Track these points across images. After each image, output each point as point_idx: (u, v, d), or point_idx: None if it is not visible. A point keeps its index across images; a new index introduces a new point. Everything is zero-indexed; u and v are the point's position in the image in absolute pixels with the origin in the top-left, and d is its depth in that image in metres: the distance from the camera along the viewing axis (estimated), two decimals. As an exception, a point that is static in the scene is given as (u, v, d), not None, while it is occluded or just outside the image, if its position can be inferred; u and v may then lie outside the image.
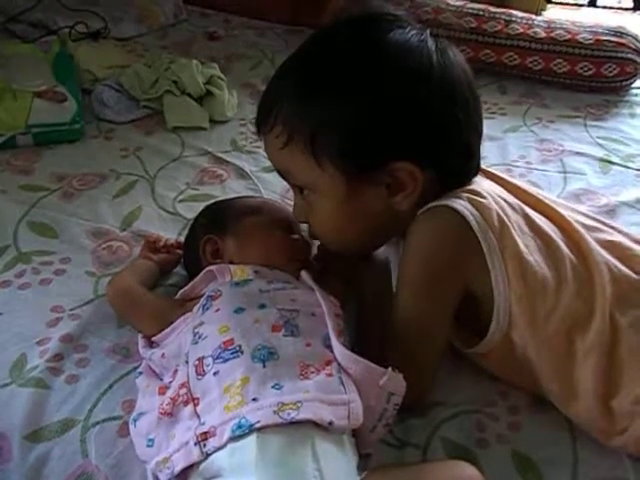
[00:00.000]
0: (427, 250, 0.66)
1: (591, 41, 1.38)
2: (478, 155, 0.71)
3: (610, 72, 1.38)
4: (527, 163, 1.17)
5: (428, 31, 0.68)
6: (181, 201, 1.01)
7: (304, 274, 0.75)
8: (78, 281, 0.84)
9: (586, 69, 1.39)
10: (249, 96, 1.36)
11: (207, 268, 0.74)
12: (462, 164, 0.69)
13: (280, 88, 0.68)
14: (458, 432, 0.67)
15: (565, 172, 1.13)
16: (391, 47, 0.66)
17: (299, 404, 0.54)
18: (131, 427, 0.63)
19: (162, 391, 0.63)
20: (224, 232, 0.77)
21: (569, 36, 1.40)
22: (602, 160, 1.17)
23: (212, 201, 0.89)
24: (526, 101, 1.39)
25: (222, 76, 1.30)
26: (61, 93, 1.17)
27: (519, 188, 0.76)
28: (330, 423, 0.54)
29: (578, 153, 1.19)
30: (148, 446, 0.59)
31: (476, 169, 0.72)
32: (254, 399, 0.55)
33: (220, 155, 1.14)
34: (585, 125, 1.29)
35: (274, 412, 0.53)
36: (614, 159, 1.17)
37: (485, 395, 0.71)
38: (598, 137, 1.24)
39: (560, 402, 0.67)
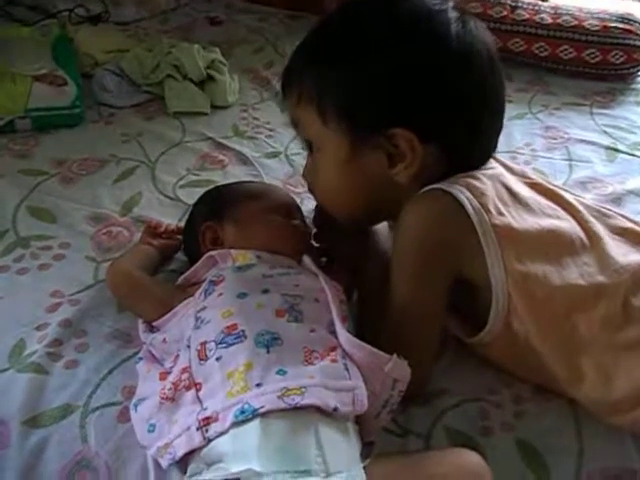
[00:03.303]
0: (418, 232, 0.65)
1: (598, 28, 1.37)
2: (490, 138, 0.70)
3: (617, 59, 1.36)
4: (532, 150, 1.16)
5: (451, 2, 0.67)
6: (182, 187, 1.00)
7: (306, 259, 0.74)
8: (77, 266, 0.83)
9: (593, 56, 1.37)
10: (251, 81, 1.34)
11: (208, 253, 0.73)
12: (468, 143, 0.67)
13: (297, 52, 0.70)
14: (461, 420, 0.66)
15: (571, 160, 1.12)
16: (405, 12, 0.65)
17: (303, 389, 0.53)
18: (132, 412, 0.62)
19: (163, 376, 0.63)
20: (223, 219, 0.76)
21: (576, 22, 1.38)
22: (608, 148, 1.16)
23: (208, 187, 0.88)
24: (532, 88, 1.37)
25: (224, 60, 1.29)
26: (61, 77, 1.16)
27: (526, 175, 0.75)
28: (335, 409, 0.53)
29: (584, 141, 1.18)
30: (149, 431, 0.59)
31: (488, 154, 0.70)
32: (258, 384, 0.55)
33: (221, 140, 1.13)
34: (591, 113, 1.28)
35: (278, 397, 0.53)
36: (620, 147, 1.16)
37: (489, 383, 0.70)
38: (604, 125, 1.23)
39: (567, 386, 0.66)
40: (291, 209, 0.79)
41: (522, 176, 0.74)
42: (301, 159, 1.08)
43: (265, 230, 0.75)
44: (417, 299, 0.66)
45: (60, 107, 1.12)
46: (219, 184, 0.88)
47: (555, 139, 1.19)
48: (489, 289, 0.64)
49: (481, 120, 0.67)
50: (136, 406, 0.62)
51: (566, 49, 1.38)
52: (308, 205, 0.91)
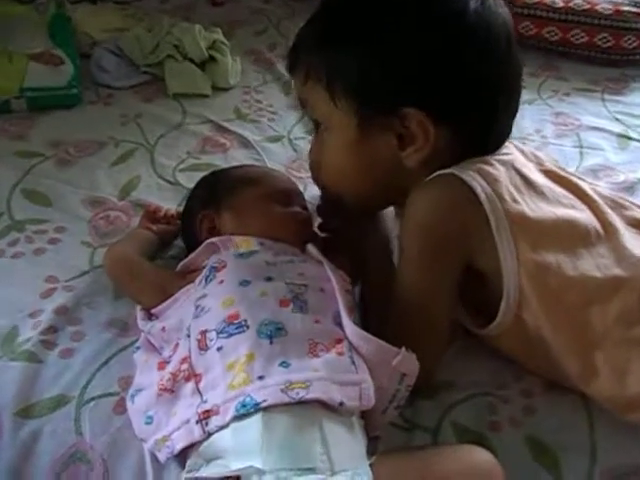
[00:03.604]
0: (427, 218, 0.63)
1: (610, 11, 1.33)
2: (506, 122, 0.67)
3: (630, 44, 1.33)
4: (542, 137, 1.13)
5: None
6: (182, 170, 0.98)
7: (310, 247, 0.72)
8: (73, 251, 0.81)
9: (605, 40, 1.34)
10: (253, 63, 1.31)
11: (209, 240, 0.70)
12: (483, 127, 0.65)
13: (306, 28, 0.68)
14: (469, 415, 0.64)
15: (581, 147, 1.10)
16: None
17: (308, 383, 0.51)
18: (128, 403, 0.60)
19: (162, 366, 0.61)
20: (220, 207, 0.74)
21: (588, 6, 1.34)
22: (620, 136, 1.13)
23: (208, 171, 0.85)
24: (542, 73, 1.34)
25: (225, 41, 1.25)
26: (57, 56, 1.12)
27: (541, 161, 0.72)
28: (340, 404, 0.51)
29: (595, 128, 1.15)
30: (146, 423, 0.57)
31: (502, 138, 0.68)
32: (260, 377, 0.53)
33: (223, 123, 1.10)
34: (603, 99, 1.25)
35: (281, 391, 0.51)
36: (633, 135, 1.13)
37: (497, 377, 0.68)
38: (616, 112, 1.21)
39: (580, 381, 0.64)
40: (291, 195, 0.77)
41: (537, 163, 0.71)
42: (305, 143, 1.07)
43: (263, 218, 0.72)
44: (425, 288, 0.64)
45: (56, 87, 1.09)
46: (216, 169, 0.86)
47: (566, 125, 1.17)
48: (500, 279, 0.62)
49: (497, 102, 0.64)
50: (133, 397, 0.60)
51: (577, 33, 1.34)
52: (312, 191, 0.88)
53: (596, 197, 0.69)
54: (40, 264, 0.79)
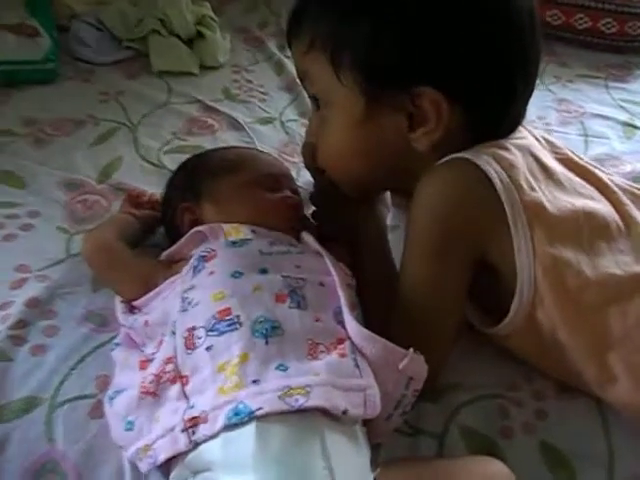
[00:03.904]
0: (438, 205, 0.59)
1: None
2: (522, 103, 0.62)
3: (634, 30, 1.30)
4: (546, 124, 1.10)
5: None
6: (167, 152, 0.93)
7: (307, 237, 0.67)
8: (48, 238, 0.75)
9: (609, 26, 1.30)
10: (243, 41, 1.27)
11: (195, 228, 0.64)
12: (500, 109, 0.60)
13: None
14: (478, 419, 0.61)
15: (586, 135, 1.07)
16: None
17: (308, 389, 0.46)
18: (106, 407, 0.55)
19: (144, 365, 0.56)
20: (201, 197, 0.68)
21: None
22: (626, 124, 1.11)
23: (187, 157, 0.79)
24: (543, 58, 1.28)
25: (214, 17, 1.20)
26: (33, 27, 1.06)
27: (556, 147, 0.68)
28: (344, 412, 0.46)
29: (600, 116, 1.13)
30: (127, 429, 0.52)
31: (517, 121, 0.63)
32: (254, 381, 0.48)
33: (211, 104, 1.05)
34: (607, 87, 1.23)
35: (279, 397, 0.46)
36: (638, 124, 1.11)
37: (507, 377, 0.65)
38: (621, 100, 1.19)
39: (596, 386, 0.60)
40: (279, 179, 0.71)
41: (551, 149, 0.67)
42: (297, 126, 1.03)
43: (248, 206, 0.66)
44: (433, 283, 0.60)
45: (32, 61, 1.03)
46: (195, 153, 0.79)
47: (569, 113, 1.13)
48: (513, 274, 0.58)
49: (517, 82, 0.60)
50: (112, 399, 0.54)
51: (581, 18, 1.31)
52: (305, 176, 0.84)
53: (615, 188, 0.66)
54: (10, 252, 0.73)
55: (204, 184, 0.69)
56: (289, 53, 1.21)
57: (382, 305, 0.62)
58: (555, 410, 0.62)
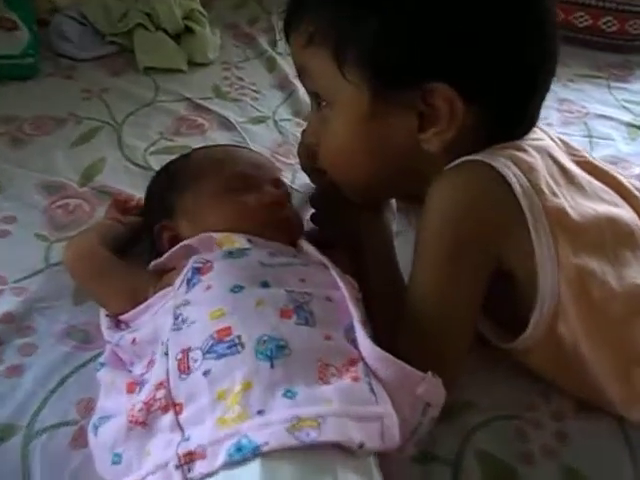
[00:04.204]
0: (452, 212, 0.55)
1: (616, -7, 1.27)
2: (540, 100, 0.58)
3: (635, 29, 1.27)
4: (548, 125, 1.05)
5: None
6: (153, 153, 0.89)
7: (307, 246, 0.62)
8: (25, 246, 0.71)
9: (609, 24, 1.27)
10: (233, 37, 1.22)
11: (183, 243, 0.59)
12: (518, 107, 0.56)
13: None
14: (495, 442, 0.57)
15: (591, 137, 1.04)
16: None
17: (320, 420, 0.41)
18: (90, 436, 0.50)
19: (131, 387, 0.51)
20: (175, 212, 0.64)
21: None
22: (630, 125, 1.08)
23: (158, 169, 0.74)
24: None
25: (203, 11, 1.15)
26: (11, 20, 1.01)
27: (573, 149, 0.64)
28: (360, 446, 0.41)
29: (603, 116, 1.10)
30: (114, 463, 0.47)
31: (533, 120, 0.59)
32: (260, 411, 0.42)
33: (200, 102, 1.01)
34: (609, 87, 1.21)
35: (287, 430, 0.40)
36: (643, 125, 1.08)
37: (523, 396, 0.61)
38: (624, 100, 1.16)
39: (620, 405, 0.57)
40: (251, 176, 0.65)
41: (567, 151, 0.63)
42: (291, 126, 0.99)
43: (220, 216, 0.61)
44: (446, 295, 0.56)
45: (9, 55, 0.98)
46: (163, 166, 0.74)
47: (572, 113, 1.10)
48: (532, 284, 0.54)
49: (537, 77, 0.56)
50: (97, 428, 0.49)
51: (581, 16, 1.27)
52: (302, 178, 0.81)
53: (636, 192, 0.62)
54: None
55: (173, 199, 0.64)
56: (281, 50, 1.20)
57: (389, 318, 0.57)
58: (576, 431, 0.59)
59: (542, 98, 0.60)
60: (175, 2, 1.10)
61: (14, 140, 0.87)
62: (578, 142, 0.99)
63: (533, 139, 0.59)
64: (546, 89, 0.59)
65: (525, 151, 0.56)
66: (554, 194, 0.54)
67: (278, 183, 0.67)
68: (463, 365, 0.58)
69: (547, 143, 0.60)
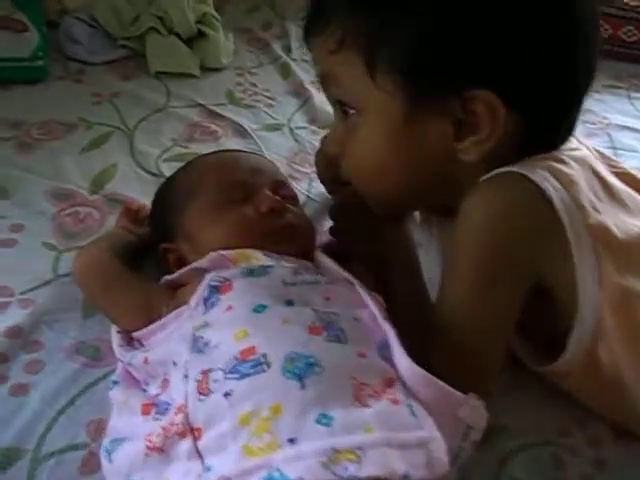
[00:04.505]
0: (488, 226, 0.52)
1: (637, 2, 1.25)
2: (579, 109, 0.55)
3: (656, 39, 1.24)
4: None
5: None
6: (166, 160, 0.86)
7: (324, 259, 0.59)
8: (33, 255, 0.68)
9: (630, 34, 1.25)
10: (246, 43, 1.20)
11: (193, 265, 0.56)
12: (560, 115, 0.53)
13: None
14: (532, 470, 0.55)
15: (614, 148, 1.02)
16: None
17: (359, 452, 0.38)
18: (104, 462, 0.47)
19: (147, 409, 0.48)
20: (175, 234, 0.61)
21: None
22: None
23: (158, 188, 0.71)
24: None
25: (217, 15, 1.13)
26: (20, 22, 0.99)
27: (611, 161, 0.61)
28: (405, 477, 0.38)
29: (626, 127, 1.09)
30: None
31: (571, 128, 0.56)
32: (291, 440, 0.39)
33: (213, 108, 0.99)
34: (629, 97, 1.20)
35: (323, 465, 0.37)
36: (665, 137, 1.07)
37: (557, 420, 0.59)
38: None
39: None
40: (246, 183, 0.60)
41: (606, 162, 0.60)
42: (307, 133, 0.97)
43: (218, 234, 0.57)
44: (481, 307, 0.53)
45: (18, 58, 0.96)
46: (165, 180, 0.71)
47: (594, 124, 1.08)
48: (573, 305, 0.52)
49: (580, 82, 0.53)
50: (110, 453, 0.46)
51: (601, 25, 1.23)
52: (319, 187, 0.79)
53: None
54: None
55: (172, 221, 0.62)
56: (295, 56, 1.18)
57: (416, 331, 0.54)
58: (614, 458, 0.57)
59: (581, 105, 0.57)
60: (188, 6, 1.08)
61: (22, 145, 0.85)
62: (602, 154, 0.98)
63: (571, 149, 0.56)
64: (586, 94, 0.56)
65: (564, 163, 0.53)
66: (596, 210, 0.51)
67: (279, 186, 0.63)
68: (495, 384, 0.55)
69: (586, 154, 0.57)
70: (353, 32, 0.51)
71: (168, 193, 0.66)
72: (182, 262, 0.59)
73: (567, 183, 0.51)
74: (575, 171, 0.53)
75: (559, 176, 0.51)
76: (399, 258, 0.63)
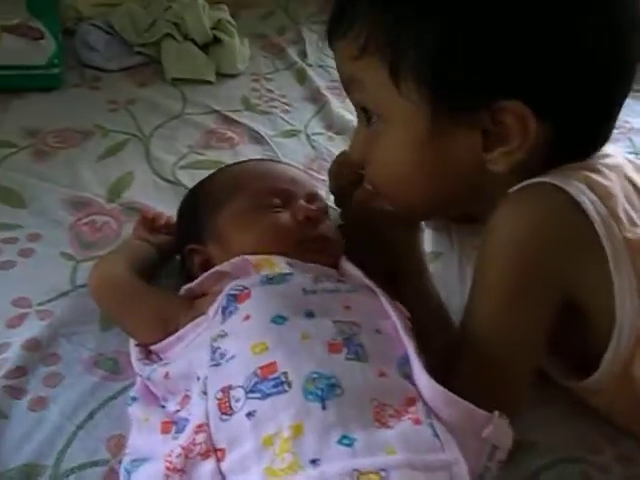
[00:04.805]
0: (519, 239, 0.50)
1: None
2: (617, 113, 0.54)
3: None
4: (592, 141, 1.01)
5: None
6: (183, 167, 0.86)
7: (349, 266, 0.58)
8: (50, 265, 0.68)
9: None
10: (261, 49, 1.18)
11: (215, 268, 0.56)
12: (594, 125, 0.52)
13: None
14: None
15: (636, 153, 0.99)
16: None
17: (383, 474, 0.37)
18: None
19: (167, 428, 0.47)
20: (204, 235, 0.60)
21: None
22: None
23: (190, 187, 0.71)
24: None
25: (232, 21, 1.12)
26: (37, 29, 0.98)
27: None
28: None
29: None
30: None
31: (606, 136, 0.54)
32: (313, 461, 0.38)
33: (229, 114, 0.98)
34: None
35: None
36: (688, 142, 1.03)
37: (586, 436, 0.57)
38: None
39: None
40: (284, 191, 0.60)
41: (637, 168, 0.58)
42: (323, 140, 0.95)
43: (252, 237, 0.57)
44: (511, 323, 0.52)
45: (35, 66, 0.96)
46: (200, 180, 0.70)
47: (617, 129, 1.03)
48: (609, 321, 0.50)
49: (614, 88, 0.51)
50: (130, 473, 0.45)
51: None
52: None
53: None
54: (7, 282, 0.66)
55: (204, 222, 0.61)
56: (311, 61, 1.17)
57: (434, 347, 0.53)
58: None
59: (619, 111, 0.55)
60: (203, 12, 1.07)
61: (38, 153, 0.84)
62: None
63: (605, 156, 0.54)
64: (625, 99, 0.54)
65: (600, 172, 0.51)
66: (632, 223, 0.50)
67: (313, 198, 0.63)
68: (525, 401, 0.54)
69: (620, 161, 0.55)
70: (377, 38, 0.50)
71: (204, 193, 0.65)
72: (207, 265, 0.58)
73: (604, 195, 0.49)
74: (611, 182, 0.51)
75: (595, 188, 0.50)
76: (411, 273, 0.62)
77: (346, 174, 0.68)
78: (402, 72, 0.49)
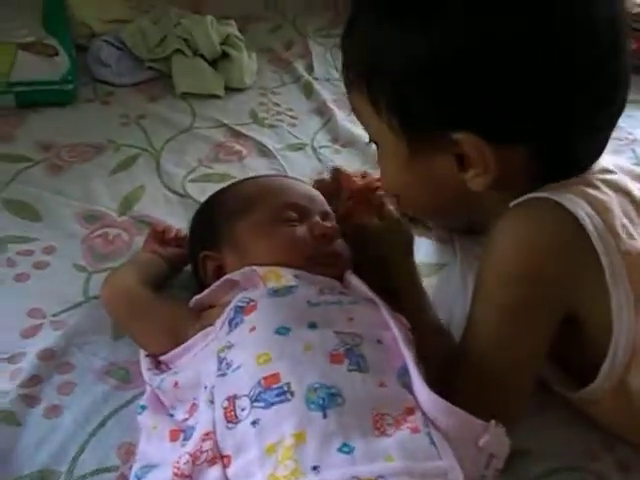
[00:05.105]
0: (518, 253, 0.51)
1: (662, 16, 1.22)
2: (606, 129, 0.54)
3: (682, 53, 1.21)
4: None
5: None
6: (192, 181, 0.87)
7: (354, 279, 0.59)
8: (64, 277, 0.69)
9: (655, 49, 1.22)
10: (269, 62, 1.20)
11: (226, 277, 0.57)
12: (571, 143, 0.52)
13: (353, 19, 0.55)
14: None
15: None
16: None
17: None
18: None
19: (175, 435, 0.48)
20: (221, 242, 0.62)
21: (638, 10, 1.23)
22: None
23: (223, 184, 0.73)
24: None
25: (240, 36, 1.14)
26: (51, 46, 1.00)
27: None
28: None
29: None
30: None
31: (600, 149, 0.55)
32: (314, 467, 0.40)
33: (238, 128, 1.00)
34: None
35: None
36: (692, 153, 1.03)
37: (583, 444, 0.58)
38: None
39: None
40: (302, 207, 0.62)
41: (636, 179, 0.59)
42: (330, 153, 0.97)
43: (268, 247, 0.59)
44: (511, 336, 0.53)
45: (49, 81, 0.98)
46: (217, 190, 0.71)
47: (620, 140, 1.05)
48: (606, 333, 0.51)
49: (598, 110, 0.51)
50: (139, 479, 0.47)
51: (625, 39, 1.23)
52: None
53: None
54: (23, 293, 0.67)
55: (221, 228, 0.62)
56: (317, 75, 1.19)
57: (433, 360, 0.54)
58: None
59: (612, 123, 0.54)
60: (212, 27, 1.09)
61: (52, 168, 0.86)
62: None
63: (603, 171, 0.55)
64: (618, 109, 0.54)
65: (597, 187, 0.52)
66: (630, 236, 0.50)
67: (328, 216, 0.65)
68: (524, 409, 0.55)
69: (619, 177, 0.55)
70: (357, 76, 0.54)
71: (219, 203, 0.66)
72: (220, 272, 0.60)
73: (601, 210, 0.50)
74: (608, 197, 0.52)
75: (593, 202, 0.50)
76: (407, 291, 0.64)
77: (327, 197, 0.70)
78: (377, 100, 0.52)
